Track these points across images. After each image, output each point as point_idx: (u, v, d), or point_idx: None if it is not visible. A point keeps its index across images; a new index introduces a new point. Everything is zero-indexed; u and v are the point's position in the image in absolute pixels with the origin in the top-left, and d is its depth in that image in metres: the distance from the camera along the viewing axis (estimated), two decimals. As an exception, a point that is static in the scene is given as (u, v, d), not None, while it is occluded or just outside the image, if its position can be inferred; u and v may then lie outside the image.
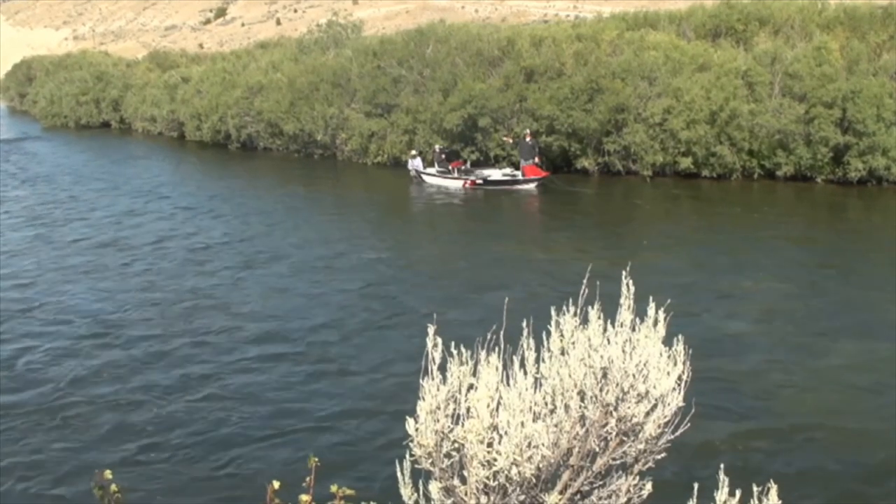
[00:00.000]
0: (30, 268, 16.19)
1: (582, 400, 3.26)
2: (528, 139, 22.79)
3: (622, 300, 3.31)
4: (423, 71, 27.35)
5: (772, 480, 3.07)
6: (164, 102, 38.52)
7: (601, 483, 3.33)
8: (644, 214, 20.27)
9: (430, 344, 3.19)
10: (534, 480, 3.14)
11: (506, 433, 3.07)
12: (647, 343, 3.24)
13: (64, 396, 10.05)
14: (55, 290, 14.59)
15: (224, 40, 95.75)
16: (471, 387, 3.17)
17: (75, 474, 8.15)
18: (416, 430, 3.20)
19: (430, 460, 3.20)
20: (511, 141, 23.21)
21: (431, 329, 3.19)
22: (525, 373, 3.17)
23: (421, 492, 3.28)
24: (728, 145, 21.81)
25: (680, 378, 3.27)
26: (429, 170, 24.15)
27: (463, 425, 3.11)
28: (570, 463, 3.26)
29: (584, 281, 3.44)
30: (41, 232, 19.34)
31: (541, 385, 3.28)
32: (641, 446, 3.29)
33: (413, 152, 25.05)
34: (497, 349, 3.17)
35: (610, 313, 3.34)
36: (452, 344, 3.20)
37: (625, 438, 3.28)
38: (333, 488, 3.13)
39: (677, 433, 3.33)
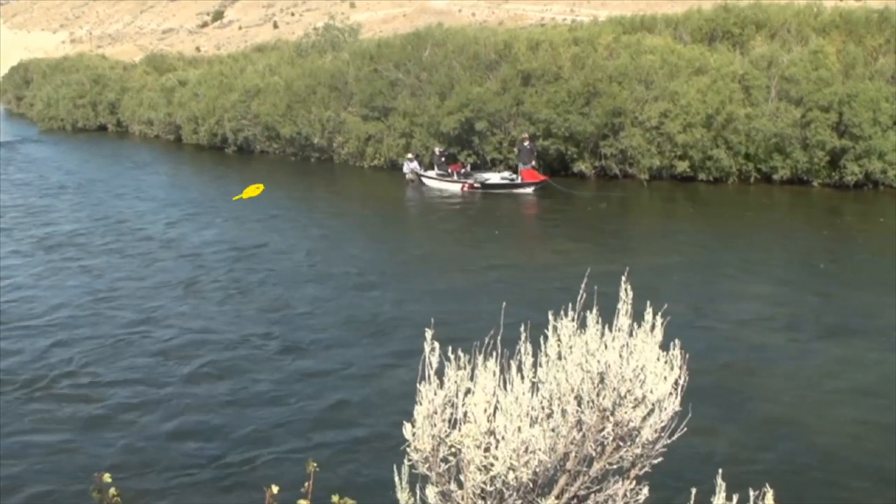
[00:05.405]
0: (102, 285, 14.97)
1: (579, 405, 3.26)
2: (525, 143, 22.80)
3: (620, 305, 3.32)
4: (420, 74, 27.34)
5: (768, 485, 3.08)
6: (161, 105, 38.44)
7: (598, 488, 3.34)
8: (641, 218, 20.27)
9: (427, 348, 3.19)
10: (530, 485, 3.15)
11: (503, 438, 3.07)
12: (644, 348, 3.25)
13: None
14: (148, 308, 13.51)
15: (221, 43, 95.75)
16: (468, 391, 3.18)
17: (78, 474, 8.13)
18: (413, 434, 3.20)
19: (426, 465, 3.20)
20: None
21: (429, 333, 3.19)
22: (522, 377, 3.18)
23: (418, 496, 3.28)
24: (724, 149, 21.82)
25: (677, 383, 3.27)
26: (428, 172, 24.17)
27: (460, 430, 3.11)
28: (567, 468, 3.26)
29: (583, 285, 3.44)
30: (95, 245, 18.14)
31: (538, 390, 3.29)
32: (638, 451, 3.29)
33: (409, 155, 25.07)
34: (494, 354, 3.17)
35: (607, 318, 3.34)
36: (450, 348, 3.20)
37: (621, 443, 3.28)
38: (335, 498, 3.12)
39: (674, 438, 3.33)
